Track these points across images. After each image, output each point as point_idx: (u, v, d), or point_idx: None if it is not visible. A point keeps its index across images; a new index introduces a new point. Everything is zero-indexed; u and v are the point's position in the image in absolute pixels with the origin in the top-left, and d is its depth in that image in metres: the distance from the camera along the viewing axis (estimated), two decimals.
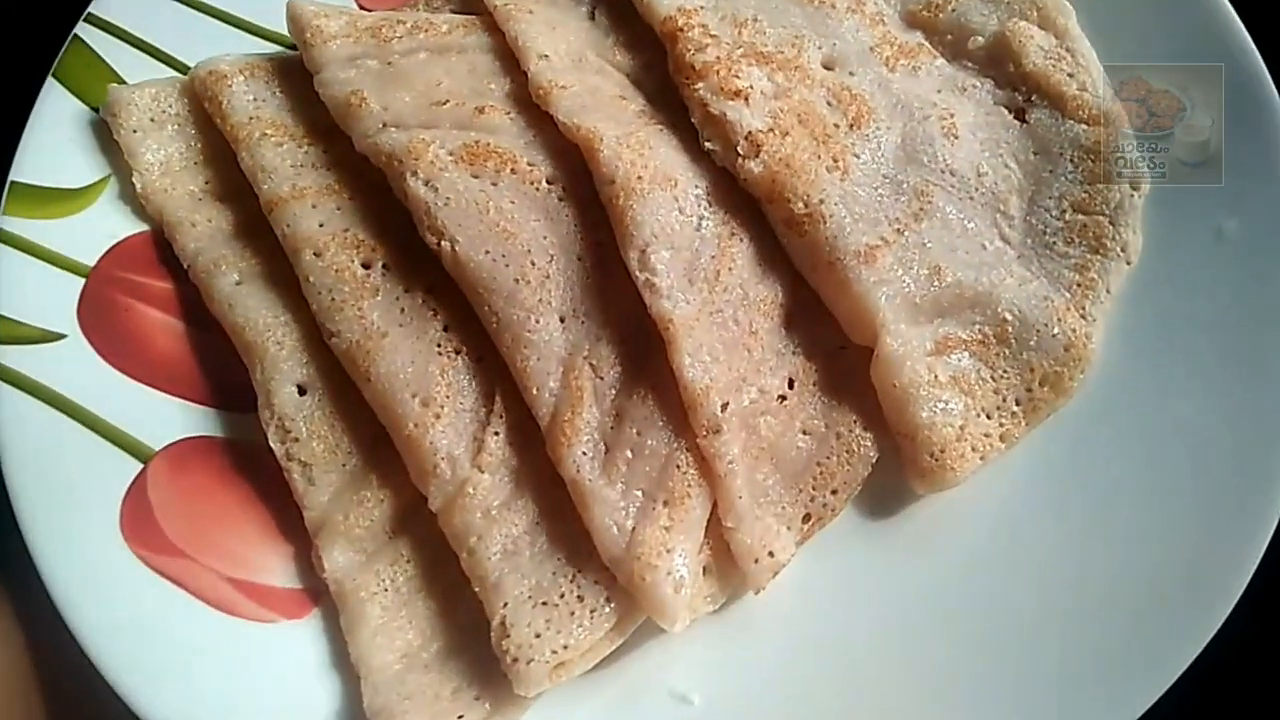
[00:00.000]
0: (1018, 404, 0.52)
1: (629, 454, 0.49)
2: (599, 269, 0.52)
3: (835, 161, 0.54)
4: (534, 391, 0.50)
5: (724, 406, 0.49)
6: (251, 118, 0.59)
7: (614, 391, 0.50)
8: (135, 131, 0.59)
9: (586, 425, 0.49)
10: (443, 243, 0.52)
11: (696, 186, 0.53)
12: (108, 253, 0.57)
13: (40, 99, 0.59)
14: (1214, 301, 0.53)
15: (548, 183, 0.54)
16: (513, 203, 0.53)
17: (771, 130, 0.53)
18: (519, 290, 0.51)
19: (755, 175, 0.52)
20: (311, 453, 0.51)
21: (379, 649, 0.48)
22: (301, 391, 0.53)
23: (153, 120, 0.60)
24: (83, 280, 0.56)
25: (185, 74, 0.62)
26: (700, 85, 0.54)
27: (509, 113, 0.57)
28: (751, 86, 0.54)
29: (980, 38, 0.59)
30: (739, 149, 0.53)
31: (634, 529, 0.47)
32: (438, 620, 0.49)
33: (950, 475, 0.50)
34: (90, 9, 0.62)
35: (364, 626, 0.48)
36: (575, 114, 0.54)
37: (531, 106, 0.56)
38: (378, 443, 0.52)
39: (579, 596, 0.47)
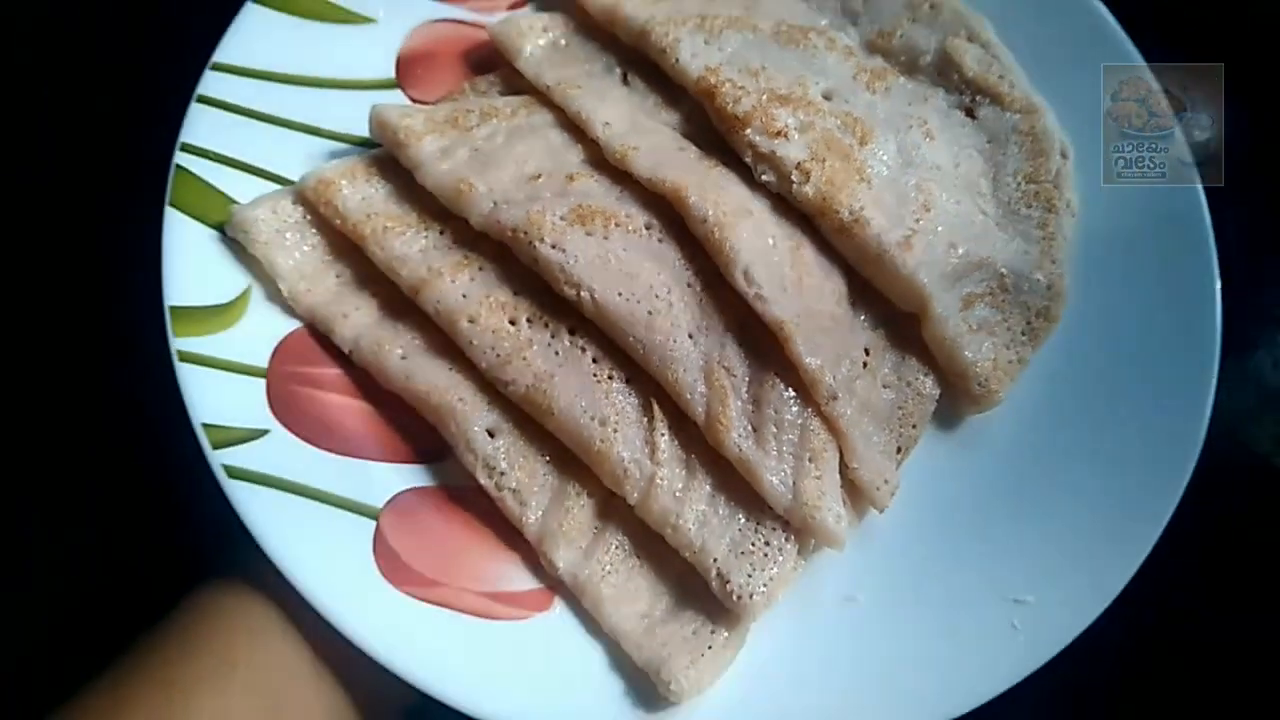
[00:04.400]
0: (1024, 335, 0.69)
1: (773, 429, 0.63)
2: (707, 290, 0.66)
3: (860, 175, 0.69)
4: (687, 397, 0.63)
5: (835, 378, 0.64)
6: (368, 215, 0.68)
7: (747, 384, 0.64)
8: (267, 244, 0.67)
9: (737, 415, 0.63)
10: (582, 293, 0.64)
11: (762, 211, 0.68)
12: (274, 353, 0.66)
13: (166, 227, 0.66)
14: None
15: (645, 228, 0.67)
16: (625, 250, 0.66)
17: (813, 159, 0.68)
18: (654, 320, 0.64)
19: (808, 197, 0.67)
20: (517, 481, 0.63)
21: (625, 618, 0.61)
22: (491, 434, 0.64)
23: (277, 231, 0.68)
24: (263, 380, 0.65)
25: (281, 183, 0.70)
26: (748, 131, 0.68)
27: (592, 176, 0.69)
28: (787, 125, 0.69)
29: (928, 55, 0.76)
30: (793, 178, 0.67)
31: (795, 484, 0.62)
32: (657, 584, 0.63)
33: (996, 396, 0.67)
34: (181, 138, 0.68)
35: (604, 604, 0.61)
36: (654, 170, 0.67)
37: (609, 167, 0.69)
38: (563, 459, 0.64)
39: (766, 542, 0.62)
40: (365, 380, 0.66)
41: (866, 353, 0.68)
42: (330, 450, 0.64)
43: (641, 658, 0.60)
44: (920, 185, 0.71)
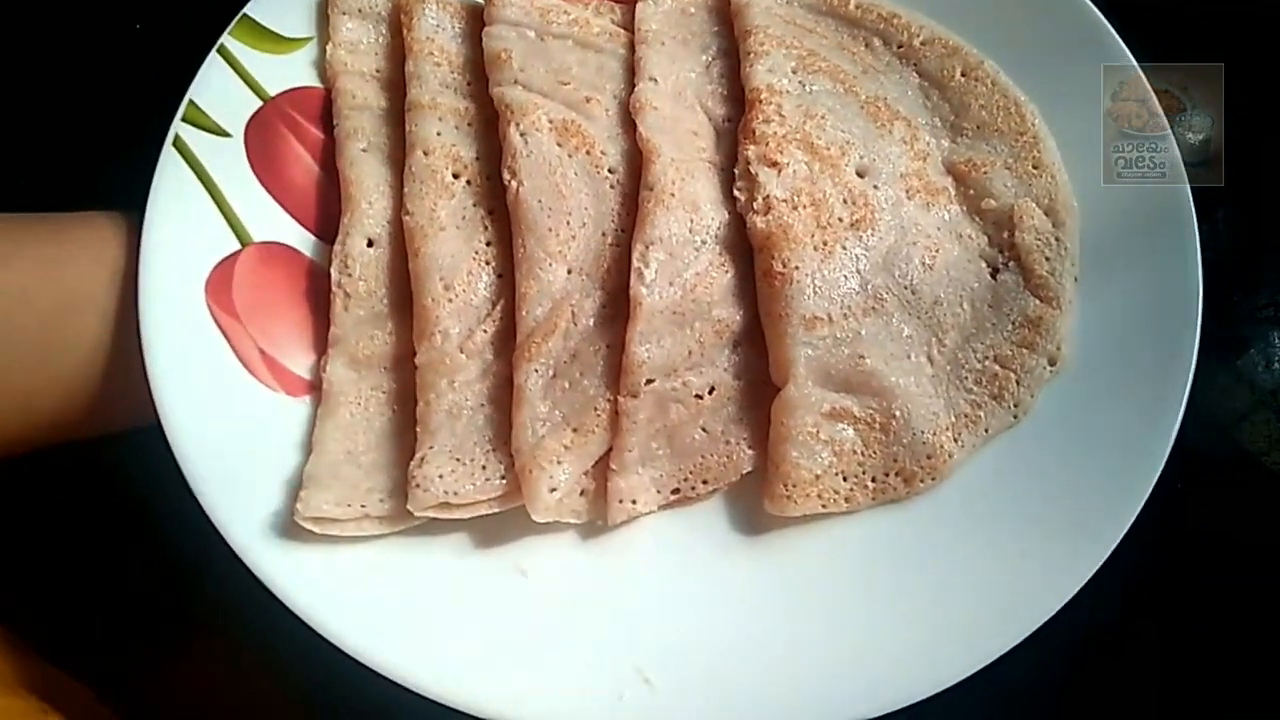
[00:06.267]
0: (872, 481, 0.63)
1: (566, 385, 0.63)
2: (613, 247, 0.66)
3: (824, 245, 0.66)
4: (524, 313, 0.64)
5: (648, 382, 0.62)
6: (428, 37, 0.75)
7: (579, 336, 0.64)
8: (344, 14, 0.76)
9: (548, 352, 0.63)
10: (513, 181, 0.67)
11: (713, 219, 0.67)
12: (286, 92, 0.74)
13: None
14: None
15: (609, 171, 0.68)
16: (575, 174, 0.68)
17: (786, 201, 0.66)
18: (548, 237, 0.65)
19: (758, 228, 0.65)
20: (355, 288, 0.67)
21: (332, 439, 0.63)
22: (369, 244, 0.69)
23: (360, 10, 0.76)
24: (260, 103, 0.73)
25: None
26: (751, 147, 0.68)
27: (607, 110, 0.71)
28: (789, 164, 0.67)
29: (994, 201, 0.70)
30: (755, 205, 0.66)
31: (543, 436, 0.61)
32: (383, 441, 0.64)
33: (791, 507, 0.62)
34: None
35: (331, 419, 0.64)
36: (652, 130, 0.68)
37: (625, 113, 0.71)
38: (402, 301, 0.67)
39: (482, 466, 0.62)
40: (328, 154, 0.73)
41: (710, 390, 0.65)
42: (259, 180, 0.71)
43: (310, 470, 0.62)
44: (878, 294, 0.66)
